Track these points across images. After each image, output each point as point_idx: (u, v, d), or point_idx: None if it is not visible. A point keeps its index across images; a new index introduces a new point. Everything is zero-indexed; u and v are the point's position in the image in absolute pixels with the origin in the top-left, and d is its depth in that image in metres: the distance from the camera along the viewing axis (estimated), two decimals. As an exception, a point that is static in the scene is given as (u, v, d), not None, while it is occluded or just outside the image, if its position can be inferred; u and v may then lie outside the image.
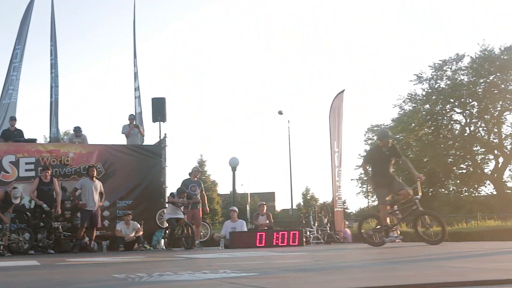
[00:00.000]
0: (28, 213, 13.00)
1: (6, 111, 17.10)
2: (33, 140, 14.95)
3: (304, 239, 13.88)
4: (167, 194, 14.61)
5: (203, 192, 14.56)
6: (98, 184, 13.25)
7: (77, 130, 15.53)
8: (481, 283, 2.49)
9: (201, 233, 14.26)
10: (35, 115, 78.75)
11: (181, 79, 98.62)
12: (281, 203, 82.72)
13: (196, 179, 14.41)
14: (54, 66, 18.25)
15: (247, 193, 55.48)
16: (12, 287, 3.43)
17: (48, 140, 18.52)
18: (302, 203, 61.98)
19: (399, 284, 2.44)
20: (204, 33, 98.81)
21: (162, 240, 14.20)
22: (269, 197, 66.41)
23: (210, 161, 79.39)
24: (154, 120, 16.29)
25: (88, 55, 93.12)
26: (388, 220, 9.38)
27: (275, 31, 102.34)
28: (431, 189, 38.03)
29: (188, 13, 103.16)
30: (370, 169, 10.23)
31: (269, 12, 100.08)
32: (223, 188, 60.05)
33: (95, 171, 13.34)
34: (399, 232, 10.08)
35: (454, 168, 37.82)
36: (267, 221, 15.11)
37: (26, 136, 15.00)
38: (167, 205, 13.77)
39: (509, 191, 36.31)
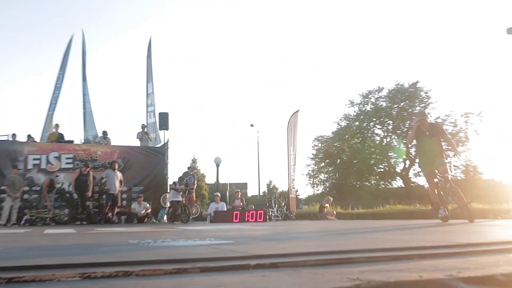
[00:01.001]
0: (67, 194, 12.90)
1: (52, 119, 16.99)
2: (71, 141, 14.82)
3: (268, 217, 13.96)
4: (169, 182, 14.57)
5: (195, 181, 14.57)
6: (119, 174, 13.17)
7: (104, 133, 15.41)
8: (389, 249, 2.57)
9: (193, 212, 14.25)
10: (72, 122, 77.40)
11: (181, 97, 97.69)
12: (252, 191, 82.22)
13: (192, 173, 14.39)
14: (84, 87, 18.08)
15: (227, 183, 55.42)
16: (57, 248, 3.39)
17: (82, 141, 18.28)
18: (266, 191, 61.84)
19: (332, 250, 2.50)
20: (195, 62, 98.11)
21: (165, 216, 14.12)
22: (243, 186, 66.25)
23: (201, 159, 78.64)
24: (160, 129, 16.24)
25: (110, 81, 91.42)
26: (438, 197, 7.37)
27: (250, 58, 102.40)
28: (358, 182, 38.45)
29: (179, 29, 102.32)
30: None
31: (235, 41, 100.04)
32: (210, 179, 59.55)
33: (116, 165, 13.28)
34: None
35: (375, 167, 38.20)
36: (241, 204, 15.15)
37: (66, 138, 14.87)
38: (169, 190, 13.72)
39: (413, 185, 36.90)
